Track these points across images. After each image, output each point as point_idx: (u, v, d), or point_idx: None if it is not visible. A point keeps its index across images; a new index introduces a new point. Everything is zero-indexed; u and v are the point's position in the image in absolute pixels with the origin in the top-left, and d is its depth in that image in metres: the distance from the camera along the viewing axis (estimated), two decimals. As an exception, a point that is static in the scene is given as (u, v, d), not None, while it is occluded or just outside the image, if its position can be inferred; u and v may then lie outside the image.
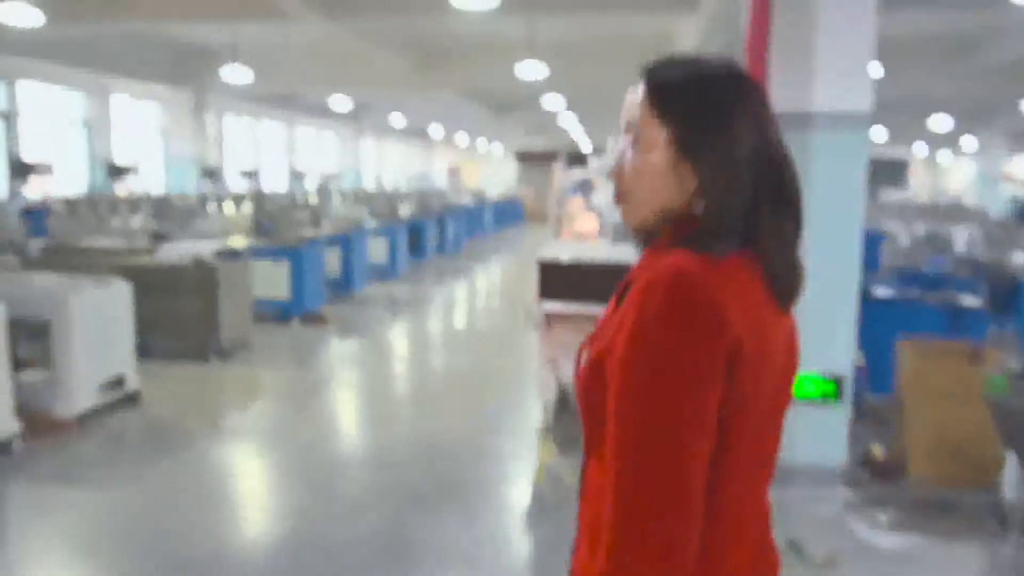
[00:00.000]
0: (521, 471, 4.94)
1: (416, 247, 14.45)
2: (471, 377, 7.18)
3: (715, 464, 1.12)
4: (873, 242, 7.40)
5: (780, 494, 1.76)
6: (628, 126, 1.22)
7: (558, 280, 5.68)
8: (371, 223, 12.43)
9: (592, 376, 1.21)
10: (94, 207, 7.75)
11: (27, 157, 10.95)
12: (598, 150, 31.57)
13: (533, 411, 6.02)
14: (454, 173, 34.25)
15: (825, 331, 4.43)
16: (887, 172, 24.25)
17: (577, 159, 32.29)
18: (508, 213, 25.37)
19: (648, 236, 1.24)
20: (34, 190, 11.11)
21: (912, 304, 5.76)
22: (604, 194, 12.78)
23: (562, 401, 5.92)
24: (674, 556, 1.08)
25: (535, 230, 24.82)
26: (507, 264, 16.94)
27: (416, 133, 30.19)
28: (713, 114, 1.16)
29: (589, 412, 1.26)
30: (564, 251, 6.15)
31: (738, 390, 1.10)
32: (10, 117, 12.54)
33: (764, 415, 1.18)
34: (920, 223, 10.49)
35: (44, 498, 4.44)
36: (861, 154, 4.32)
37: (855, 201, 4.33)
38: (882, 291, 5.86)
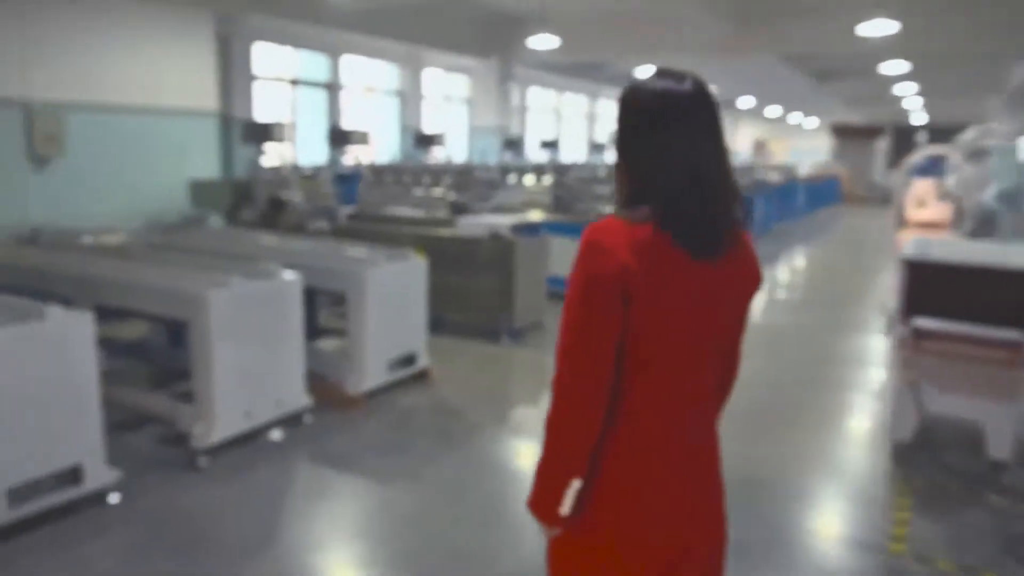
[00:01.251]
0: (857, 531, 3.80)
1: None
2: (788, 391, 6.02)
3: (624, 380, 1.64)
4: None
5: None
6: None
7: (933, 287, 4.37)
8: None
9: None
10: (399, 175, 7.69)
11: (346, 126, 11.48)
12: (939, 125, 27.61)
13: (864, 445, 4.79)
14: (760, 148, 31.99)
15: None
16: None
17: (905, 134, 28.77)
18: (822, 193, 22.73)
19: None
20: (351, 158, 11.57)
21: None
22: (964, 175, 10.64)
23: (921, 439, 4.63)
24: (578, 407, 1.63)
25: (854, 213, 22.32)
26: (827, 253, 15.08)
27: (722, 104, 28.52)
28: (633, 124, 1.66)
29: None
30: (943, 250, 4.79)
31: (636, 312, 1.58)
32: (333, 89, 13.33)
33: (674, 342, 1.64)
34: None
35: (324, 481, 4.16)
36: None
37: None
38: None
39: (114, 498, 3.78)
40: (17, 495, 3.41)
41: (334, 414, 5.03)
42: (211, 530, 3.66)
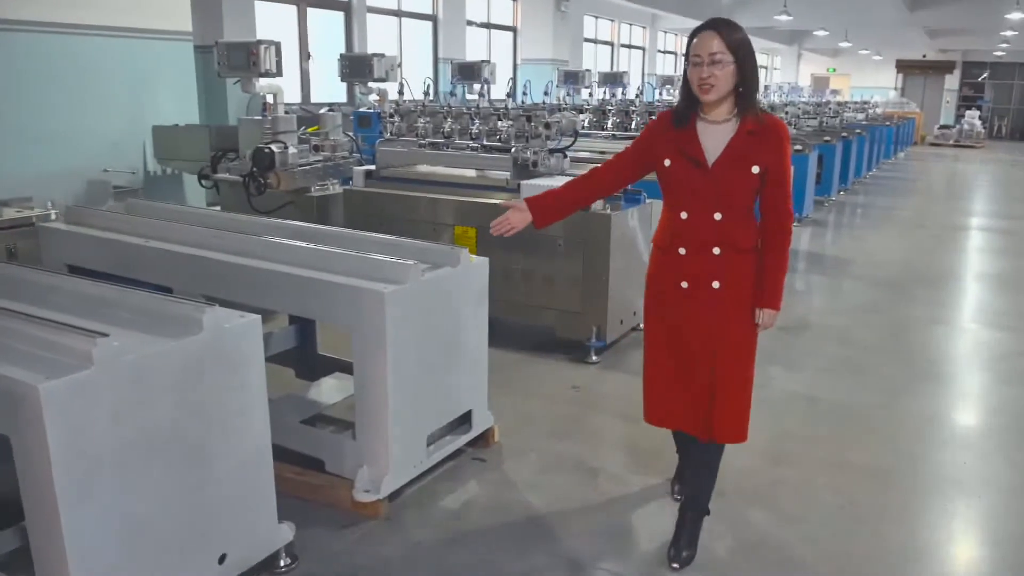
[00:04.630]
0: None
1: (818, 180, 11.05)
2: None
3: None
4: None
5: None
6: (713, 56, 2.46)
7: None
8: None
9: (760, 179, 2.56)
10: (436, 119, 5.41)
11: (370, 50, 9.08)
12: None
13: None
14: (820, 84, 28.74)
15: None
16: None
17: (975, 69, 26.75)
18: (901, 135, 20.46)
19: (715, 108, 2.56)
20: (376, 96, 9.16)
21: None
22: None
23: None
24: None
25: (933, 155, 20.34)
26: (939, 209, 12.67)
27: (791, 35, 25.72)
28: (750, 53, 2.52)
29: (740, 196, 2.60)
30: None
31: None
32: (349, 11, 10.97)
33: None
34: None
35: None
36: None
37: None
38: None
39: None
40: None
41: (335, 537, 2.89)
42: None
